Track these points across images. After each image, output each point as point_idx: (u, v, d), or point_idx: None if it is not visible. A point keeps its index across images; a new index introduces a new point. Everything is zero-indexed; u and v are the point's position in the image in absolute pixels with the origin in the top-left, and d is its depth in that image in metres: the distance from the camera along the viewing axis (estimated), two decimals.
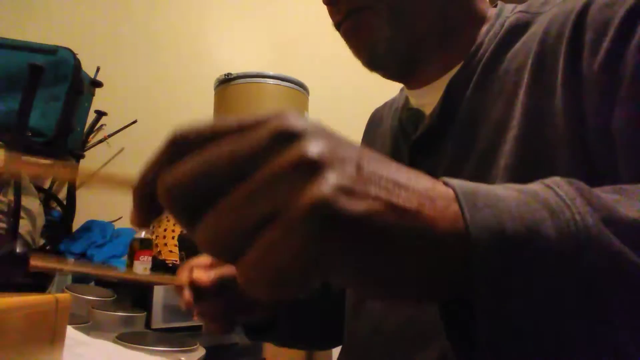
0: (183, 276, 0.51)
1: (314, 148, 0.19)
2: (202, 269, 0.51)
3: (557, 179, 0.24)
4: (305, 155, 0.19)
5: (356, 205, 0.19)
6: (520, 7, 0.50)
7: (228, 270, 0.50)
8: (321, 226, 0.18)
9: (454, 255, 0.20)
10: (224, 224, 0.19)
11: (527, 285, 0.20)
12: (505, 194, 0.22)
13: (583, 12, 0.40)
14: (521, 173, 0.40)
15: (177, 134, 0.22)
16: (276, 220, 0.18)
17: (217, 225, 0.19)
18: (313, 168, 0.19)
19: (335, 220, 0.18)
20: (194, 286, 0.49)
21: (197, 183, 0.20)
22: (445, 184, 0.22)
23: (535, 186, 0.23)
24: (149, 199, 0.22)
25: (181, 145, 0.21)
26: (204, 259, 0.53)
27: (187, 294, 0.49)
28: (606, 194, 0.24)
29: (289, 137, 0.19)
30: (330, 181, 0.18)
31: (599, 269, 0.20)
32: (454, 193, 0.21)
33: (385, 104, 0.68)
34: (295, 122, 0.20)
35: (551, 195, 0.22)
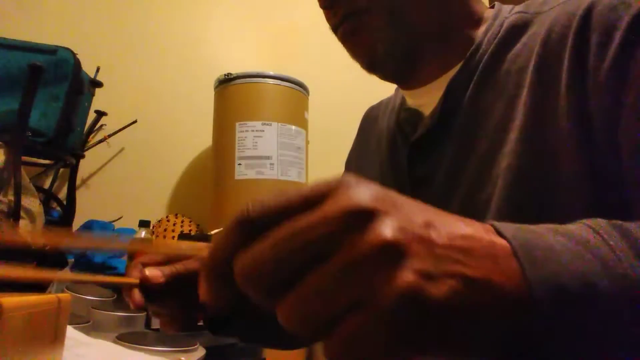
0: (133, 274, 0.47)
1: (389, 230, 0.20)
2: (154, 267, 0.47)
3: (602, 222, 0.25)
4: (385, 241, 0.19)
5: (440, 289, 0.20)
6: (518, 7, 0.50)
7: (181, 266, 0.47)
8: (411, 313, 0.19)
9: (517, 311, 0.21)
10: (309, 306, 0.20)
11: (585, 339, 0.21)
12: (557, 244, 0.23)
13: (587, 15, 0.40)
14: (524, 174, 0.40)
15: (245, 214, 0.22)
16: (364, 305, 0.19)
17: (303, 306, 0.20)
18: (393, 253, 0.20)
19: (423, 306, 0.19)
20: (146, 285, 0.46)
21: (276, 266, 0.20)
22: (498, 232, 0.23)
23: (584, 232, 0.24)
24: (224, 278, 0.22)
25: (251, 227, 0.22)
26: (154, 255, 0.50)
27: (137, 294, 0.46)
28: None
29: (362, 216, 0.20)
30: (413, 268, 0.19)
31: None
32: (511, 247, 0.22)
33: (381, 102, 0.68)
34: (363, 197, 0.21)
35: (601, 244, 0.23)
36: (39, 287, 1.05)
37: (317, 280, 0.20)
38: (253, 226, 0.22)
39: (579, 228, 0.25)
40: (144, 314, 0.98)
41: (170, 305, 0.48)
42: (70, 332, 0.55)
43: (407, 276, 0.19)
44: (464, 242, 0.22)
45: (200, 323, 0.51)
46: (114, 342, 0.70)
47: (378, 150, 0.61)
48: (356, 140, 0.71)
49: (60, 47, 1.27)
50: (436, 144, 0.49)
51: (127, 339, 0.72)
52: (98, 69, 1.50)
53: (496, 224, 0.24)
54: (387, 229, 0.20)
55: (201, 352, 0.79)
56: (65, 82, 1.26)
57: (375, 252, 0.19)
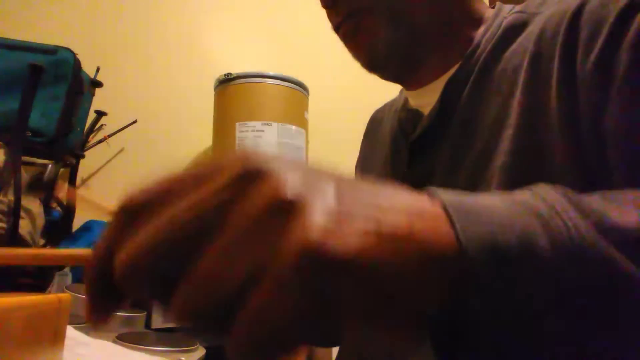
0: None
1: (284, 185, 0.17)
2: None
3: (544, 185, 0.23)
4: (277, 195, 0.17)
5: (346, 245, 0.17)
6: (517, 7, 0.50)
7: None
8: (314, 275, 0.16)
9: (448, 271, 0.20)
10: (200, 293, 0.17)
11: (521, 296, 0.20)
12: (493, 205, 0.21)
13: (578, 12, 0.40)
14: (517, 172, 0.40)
15: (125, 200, 0.19)
16: (262, 278, 0.16)
17: (194, 296, 0.17)
18: (289, 209, 0.17)
19: (328, 265, 0.16)
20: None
21: (158, 252, 0.17)
22: (431, 196, 0.21)
23: (523, 195, 0.23)
24: (107, 284, 0.18)
25: (132, 214, 0.18)
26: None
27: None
28: (594, 200, 0.24)
29: (252, 178, 0.17)
30: (313, 222, 0.16)
31: (592, 276, 0.20)
32: (443, 207, 0.21)
33: (386, 105, 0.69)
34: (253, 159, 0.18)
35: (541, 204, 0.22)
36: (39, 287, 1.05)
37: (206, 261, 0.17)
38: (134, 213, 0.18)
39: (521, 193, 0.23)
40: (144, 314, 0.98)
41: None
42: (70, 332, 0.55)
43: (306, 231, 0.16)
44: (382, 200, 0.19)
45: None
46: (114, 342, 0.70)
47: (382, 151, 0.61)
48: (362, 144, 0.72)
49: (60, 47, 1.27)
50: (434, 143, 0.50)
51: (127, 339, 0.72)
52: (98, 69, 1.50)
53: (430, 188, 0.22)
54: (279, 185, 0.17)
55: (201, 352, 0.79)
56: (65, 82, 1.26)
57: (267, 211, 0.17)
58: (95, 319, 0.19)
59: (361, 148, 0.72)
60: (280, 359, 0.17)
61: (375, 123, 0.69)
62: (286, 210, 0.17)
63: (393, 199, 0.20)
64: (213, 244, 0.17)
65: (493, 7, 0.53)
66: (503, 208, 0.21)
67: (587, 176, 0.37)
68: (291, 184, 0.17)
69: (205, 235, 0.17)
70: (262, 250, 0.16)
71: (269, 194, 0.17)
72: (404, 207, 0.19)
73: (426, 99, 0.53)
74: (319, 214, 0.17)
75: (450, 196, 0.21)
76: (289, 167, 0.18)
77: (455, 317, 0.20)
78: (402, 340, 0.20)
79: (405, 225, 0.19)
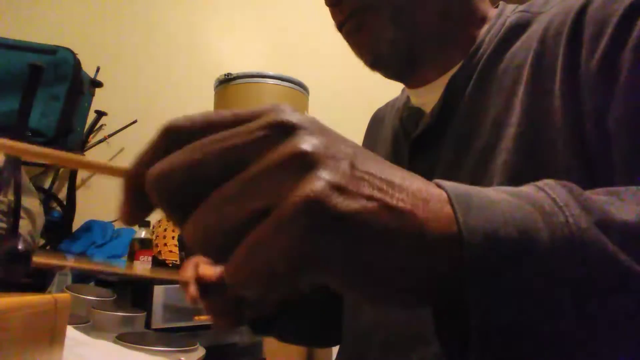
0: (188, 272, 0.51)
1: (307, 143, 0.19)
2: (208, 264, 0.50)
3: (549, 181, 0.23)
4: (298, 149, 0.18)
5: (348, 204, 0.18)
6: (521, 7, 0.50)
7: None
8: (312, 222, 0.17)
9: (445, 258, 0.20)
10: (211, 219, 0.18)
11: (519, 289, 0.20)
12: (497, 197, 0.22)
13: (582, 10, 0.40)
14: (519, 170, 0.40)
15: (170, 125, 0.21)
16: (268, 214, 0.18)
17: (205, 220, 0.18)
18: (306, 163, 0.18)
19: (327, 217, 0.18)
20: (200, 282, 0.49)
21: (186, 175, 0.19)
22: (438, 185, 0.22)
23: (528, 189, 0.23)
24: (139, 193, 0.20)
25: (174, 137, 0.20)
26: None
27: (193, 289, 0.49)
28: (598, 196, 0.24)
29: (282, 130, 0.19)
30: (323, 178, 0.18)
31: (592, 272, 0.20)
32: (447, 195, 0.21)
33: (387, 103, 0.69)
34: (290, 115, 0.20)
35: (544, 198, 0.22)
36: (39, 287, 1.05)
37: (225, 190, 0.18)
38: (176, 137, 0.20)
39: (525, 187, 0.24)
40: (144, 314, 0.98)
41: (222, 301, 0.50)
42: (70, 332, 0.55)
43: (314, 184, 0.18)
44: (393, 178, 0.20)
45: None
46: (114, 342, 0.70)
47: (383, 150, 0.61)
48: (364, 143, 0.72)
49: (60, 47, 1.27)
50: (436, 141, 0.50)
51: (127, 339, 0.72)
52: (98, 69, 1.50)
53: (438, 179, 0.23)
54: (303, 141, 0.19)
55: (201, 352, 0.79)
56: (65, 82, 1.26)
57: (287, 161, 0.18)
58: (126, 218, 0.21)
59: (362, 146, 0.72)
60: (266, 297, 0.18)
61: (376, 122, 0.69)
62: (304, 162, 0.18)
63: (403, 178, 0.21)
64: (234, 177, 0.18)
65: (496, 7, 0.53)
66: (506, 200, 0.22)
67: (590, 174, 0.37)
68: (314, 142, 0.19)
69: (230, 167, 0.19)
70: (275, 191, 0.18)
71: (293, 146, 0.18)
72: (411, 188, 0.20)
73: (428, 97, 0.53)
74: (331, 172, 0.18)
75: (455, 186, 0.22)
76: (317, 129, 0.20)
77: (460, 314, 0.20)
78: (385, 306, 0.21)
79: (409, 202, 0.20)
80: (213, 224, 0.18)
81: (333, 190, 0.18)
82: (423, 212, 0.20)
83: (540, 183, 0.23)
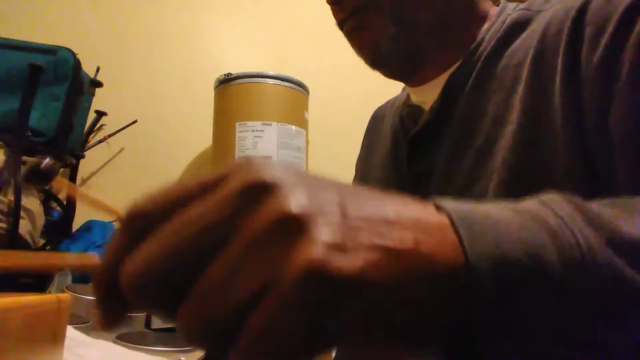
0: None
1: (289, 202, 0.17)
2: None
3: (552, 195, 0.23)
4: (282, 213, 0.17)
5: (352, 262, 0.17)
6: (522, 5, 0.50)
7: None
8: (318, 293, 0.16)
9: (456, 287, 0.19)
10: (206, 310, 0.17)
11: (529, 314, 0.19)
12: (501, 216, 0.21)
13: (583, 9, 0.40)
14: (519, 168, 0.40)
15: (132, 212, 0.19)
16: (267, 295, 0.16)
17: (199, 312, 0.17)
18: (295, 226, 0.17)
19: (333, 283, 0.16)
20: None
21: (164, 268, 0.17)
22: (438, 207, 0.21)
23: (532, 205, 0.22)
24: (115, 295, 0.18)
25: (140, 225, 0.18)
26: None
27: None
28: (604, 209, 0.23)
29: (258, 193, 0.17)
30: (319, 240, 0.16)
31: (604, 294, 0.19)
32: (449, 219, 0.20)
33: (388, 102, 0.69)
34: (260, 173, 0.18)
35: (550, 216, 0.21)
36: (39, 287, 1.05)
37: (213, 273, 0.17)
38: (141, 224, 0.18)
39: (528, 202, 0.22)
40: (144, 314, 0.98)
41: None
42: (70, 332, 0.55)
43: (310, 249, 0.16)
44: (387, 213, 0.19)
45: None
46: (114, 342, 0.70)
47: (383, 148, 0.61)
48: (364, 141, 0.72)
49: (60, 47, 1.27)
50: (435, 138, 0.50)
51: (127, 339, 0.72)
52: (98, 69, 1.50)
53: (437, 199, 0.21)
54: (285, 201, 0.17)
55: (201, 352, 0.79)
56: (65, 82, 1.26)
57: (273, 228, 0.16)
58: (104, 324, 0.19)
59: (362, 145, 0.72)
60: None
61: (376, 120, 0.69)
62: (292, 226, 0.17)
63: (399, 212, 0.19)
64: (218, 259, 0.17)
65: (497, 5, 0.53)
66: (511, 220, 0.21)
67: (590, 173, 0.37)
68: (297, 199, 0.17)
69: (211, 248, 0.17)
70: (267, 266, 0.16)
71: (275, 210, 0.17)
72: (410, 221, 0.19)
73: (428, 95, 0.53)
74: (324, 231, 0.17)
75: (457, 207, 0.21)
76: (294, 180, 0.18)
77: (468, 335, 0.20)
78: (407, 355, 0.19)
79: (411, 240, 0.18)
80: (207, 314, 0.17)
81: (331, 250, 0.16)
82: (426, 245, 0.19)
83: (543, 197, 0.23)
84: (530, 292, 0.19)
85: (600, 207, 0.23)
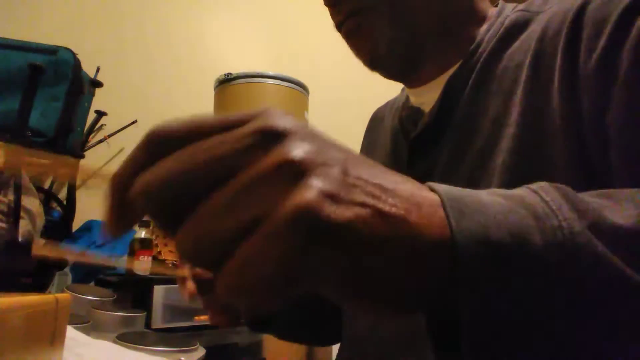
0: (186, 268, 0.50)
1: (297, 150, 0.18)
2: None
3: (543, 183, 0.23)
4: (288, 157, 0.18)
5: (342, 212, 0.18)
6: (520, 6, 0.50)
7: None
8: (305, 234, 0.17)
9: (438, 262, 0.20)
10: (203, 231, 0.18)
11: (511, 293, 0.20)
12: (490, 200, 0.22)
13: (581, 10, 0.40)
14: (518, 170, 0.40)
15: (155, 132, 0.20)
16: (259, 226, 0.17)
17: (196, 232, 0.18)
18: (297, 171, 0.18)
19: (320, 227, 0.17)
20: (198, 279, 0.48)
21: (175, 184, 0.18)
22: (432, 189, 0.22)
23: (521, 191, 0.23)
24: (125, 203, 0.20)
25: (160, 145, 0.20)
26: None
27: (191, 285, 0.48)
28: (593, 199, 0.23)
29: (272, 137, 0.19)
30: (314, 186, 0.18)
31: (585, 276, 0.20)
32: (440, 199, 0.21)
33: (387, 103, 0.69)
34: (279, 121, 0.19)
35: (537, 201, 0.22)
36: (39, 287, 1.05)
37: (215, 200, 0.18)
38: (160, 145, 0.20)
39: (519, 189, 0.23)
40: (144, 314, 0.98)
41: (220, 299, 0.50)
42: (70, 332, 0.55)
43: (305, 193, 0.17)
44: (386, 183, 0.20)
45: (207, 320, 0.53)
46: (114, 342, 0.70)
47: (383, 150, 0.61)
48: (363, 142, 0.72)
49: (60, 47, 1.27)
50: (434, 141, 0.50)
51: (127, 339, 0.72)
52: (98, 69, 1.50)
53: (431, 183, 0.23)
54: (294, 148, 0.18)
55: (201, 352, 0.79)
56: (65, 82, 1.26)
57: (277, 169, 0.18)
58: (111, 229, 0.21)
59: (362, 146, 0.72)
60: (262, 306, 0.18)
61: (376, 121, 0.69)
62: (294, 171, 0.18)
63: (396, 183, 0.20)
64: (224, 188, 0.18)
65: (496, 6, 0.53)
66: (499, 203, 0.21)
67: (589, 175, 0.37)
68: (305, 148, 0.18)
69: (219, 177, 0.18)
70: (265, 201, 0.18)
71: (283, 154, 0.18)
72: (405, 192, 0.20)
73: (427, 97, 0.53)
74: (323, 180, 0.18)
75: (449, 189, 0.22)
76: (308, 134, 0.19)
77: (451, 314, 0.20)
78: (380, 315, 0.20)
79: (402, 207, 0.19)
80: (203, 236, 0.18)
81: (325, 198, 0.18)
82: (416, 216, 0.20)
83: (534, 186, 0.23)
84: (513, 269, 0.20)
85: (588, 197, 0.24)
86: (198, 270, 0.49)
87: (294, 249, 0.17)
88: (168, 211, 0.19)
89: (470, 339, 0.20)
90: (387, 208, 0.19)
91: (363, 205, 0.19)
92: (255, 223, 0.17)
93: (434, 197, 0.21)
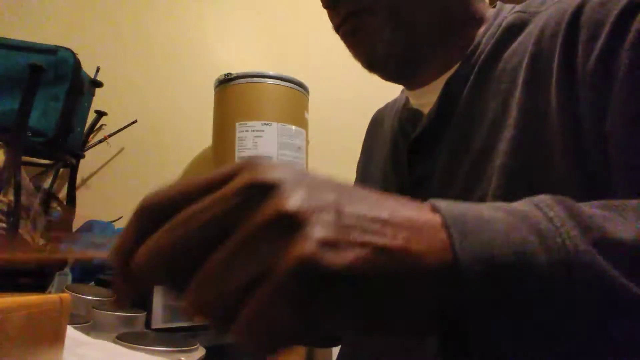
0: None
1: (288, 200, 0.18)
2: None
3: (546, 197, 0.23)
4: (280, 211, 0.18)
5: (342, 257, 0.18)
6: (518, 7, 0.50)
7: None
8: (309, 283, 0.18)
9: (444, 284, 0.20)
10: (209, 291, 0.19)
11: (516, 314, 0.20)
12: (493, 217, 0.22)
13: (578, 12, 0.40)
14: (517, 172, 0.40)
15: (145, 204, 0.21)
16: (263, 282, 0.18)
17: (203, 292, 0.19)
18: (291, 223, 0.18)
19: (323, 275, 0.18)
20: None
21: (173, 254, 0.19)
22: (434, 208, 0.22)
23: (524, 206, 0.23)
24: (128, 276, 0.21)
25: (151, 217, 0.21)
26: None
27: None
28: (596, 211, 0.23)
29: (260, 191, 0.19)
30: (312, 236, 0.18)
31: (590, 295, 0.20)
32: (442, 219, 0.21)
33: (387, 104, 0.69)
34: (264, 172, 0.19)
35: (541, 218, 0.22)
36: (39, 287, 1.05)
37: (216, 262, 0.19)
38: (153, 216, 0.21)
39: (521, 203, 0.24)
40: (144, 314, 0.98)
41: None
42: (70, 332, 0.55)
43: (302, 245, 0.18)
44: (381, 213, 0.20)
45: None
46: (114, 342, 0.70)
47: (383, 151, 0.61)
48: (364, 144, 0.72)
49: (60, 47, 1.27)
50: (434, 142, 0.50)
51: (127, 339, 0.72)
52: (98, 69, 1.50)
53: (433, 200, 0.23)
54: (284, 199, 0.19)
55: (201, 352, 0.79)
56: (65, 82, 1.26)
57: (271, 223, 0.18)
58: (116, 302, 0.22)
59: (362, 148, 0.73)
60: (277, 354, 0.19)
61: (376, 123, 0.69)
62: (289, 223, 0.18)
63: (393, 211, 0.20)
64: (221, 248, 0.19)
65: (494, 7, 0.53)
66: (502, 220, 0.21)
67: (588, 177, 0.37)
68: (295, 198, 0.19)
69: (215, 238, 0.19)
70: (264, 257, 0.18)
71: (274, 208, 0.18)
72: (403, 220, 0.20)
73: (426, 99, 0.53)
74: (319, 228, 0.18)
75: (450, 207, 0.22)
76: (294, 180, 0.20)
77: (458, 329, 0.20)
78: (395, 343, 0.21)
79: (401, 238, 0.19)
80: (211, 295, 0.19)
81: (323, 246, 0.18)
82: (417, 244, 0.20)
83: (537, 199, 0.23)
84: (517, 290, 0.20)
85: (591, 209, 0.23)
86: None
87: (299, 302, 0.18)
88: (171, 277, 0.20)
89: (478, 355, 0.20)
90: (386, 242, 0.19)
91: (362, 245, 0.19)
92: (259, 276, 0.18)
93: (434, 218, 0.21)
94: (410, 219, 0.20)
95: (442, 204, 0.22)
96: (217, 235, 0.19)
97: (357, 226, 0.19)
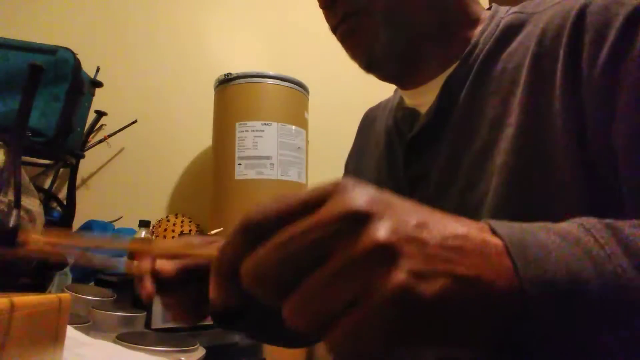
0: (144, 265, 0.48)
1: (382, 233, 0.21)
2: (165, 259, 0.48)
3: (594, 221, 0.26)
4: (376, 243, 0.21)
5: (430, 288, 0.21)
6: (515, 8, 0.50)
7: (191, 260, 0.48)
8: (403, 309, 0.20)
9: (510, 308, 0.22)
10: (311, 305, 0.21)
11: (574, 333, 0.22)
12: (549, 241, 0.24)
13: (581, 13, 0.40)
14: (519, 171, 0.40)
15: (247, 222, 0.24)
16: (360, 303, 0.20)
17: (305, 306, 0.21)
18: (386, 255, 0.21)
19: (415, 304, 0.20)
20: (157, 276, 0.47)
21: (279, 269, 0.22)
22: (494, 232, 0.24)
23: (575, 230, 0.25)
24: (232, 280, 0.24)
25: (253, 232, 0.23)
26: (166, 245, 0.51)
27: (148, 284, 0.46)
28: (637, 230, 0.26)
29: (355, 220, 0.21)
30: (405, 268, 0.21)
31: (637, 313, 0.23)
32: (504, 245, 0.23)
33: (379, 104, 0.69)
34: (358, 201, 0.22)
35: (592, 244, 0.24)
36: (39, 287, 1.05)
37: (317, 281, 0.21)
38: (256, 231, 0.23)
39: (572, 227, 0.26)
40: (144, 314, 0.98)
41: (180, 297, 0.49)
42: (70, 332, 0.55)
43: (399, 276, 0.20)
44: (456, 242, 0.23)
45: (208, 320, 0.52)
46: (114, 342, 0.70)
47: (376, 151, 0.61)
48: (355, 142, 0.72)
49: (60, 47, 1.27)
50: (432, 142, 0.50)
51: (127, 339, 0.72)
52: (98, 69, 1.50)
53: (492, 222, 0.25)
54: (380, 231, 0.21)
55: (201, 352, 0.79)
56: (65, 82, 1.26)
57: (370, 254, 0.21)
58: (218, 305, 0.25)
59: (353, 146, 0.72)
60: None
61: (368, 122, 0.69)
62: (385, 254, 0.21)
63: (465, 240, 0.23)
64: (322, 269, 0.21)
65: (489, 9, 0.53)
66: (557, 245, 0.24)
67: (591, 178, 0.37)
68: (388, 228, 0.21)
69: (316, 259, 0.21)
70: (362, 281, 0.21)
71: (370, 240, 0.21)
72: (474, 248, 0.23)
73: (423, 99, 0.53)
74: (411, 259, 0.21)
75: (510, 233, 0.24)
76: (386, 207, 0.22)
77: (519, 346, 0.23)
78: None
79: (475, 265, 0.22)
80: (311, 308, 0.21)
81: (416, 278, 0.21)
82: (488, 272, 0.22)
83: (586, 224, 0.26)
84: (573, 313, 0.22)
85: (634, 229, 0.26)
86: (158, 267, 0.47)
87: (394, 324, 0.20)
88: (273, 289, 0.22)
89: None
90: (464, 271, 0.22)
91: (444, 274, 0.21)
92: (355, 298, 0.21)
93: (497, 242, 0.24)
94: (479, 244, 0.23)
95: (501, 227, 0.24)
96: (318, 257, 0.21)
97: (439, 256, 0.22)
